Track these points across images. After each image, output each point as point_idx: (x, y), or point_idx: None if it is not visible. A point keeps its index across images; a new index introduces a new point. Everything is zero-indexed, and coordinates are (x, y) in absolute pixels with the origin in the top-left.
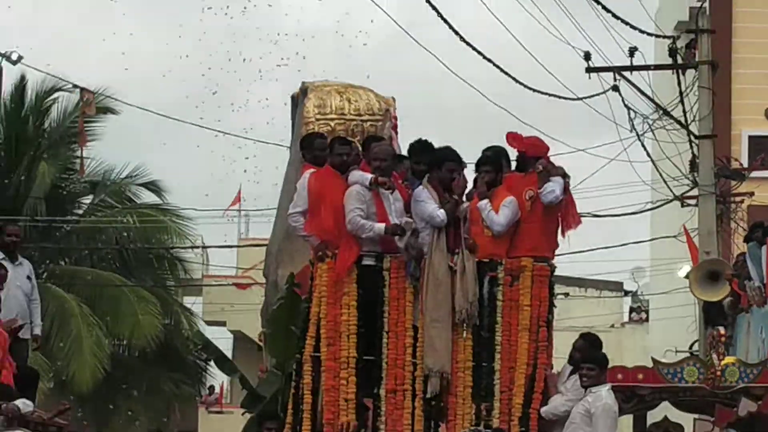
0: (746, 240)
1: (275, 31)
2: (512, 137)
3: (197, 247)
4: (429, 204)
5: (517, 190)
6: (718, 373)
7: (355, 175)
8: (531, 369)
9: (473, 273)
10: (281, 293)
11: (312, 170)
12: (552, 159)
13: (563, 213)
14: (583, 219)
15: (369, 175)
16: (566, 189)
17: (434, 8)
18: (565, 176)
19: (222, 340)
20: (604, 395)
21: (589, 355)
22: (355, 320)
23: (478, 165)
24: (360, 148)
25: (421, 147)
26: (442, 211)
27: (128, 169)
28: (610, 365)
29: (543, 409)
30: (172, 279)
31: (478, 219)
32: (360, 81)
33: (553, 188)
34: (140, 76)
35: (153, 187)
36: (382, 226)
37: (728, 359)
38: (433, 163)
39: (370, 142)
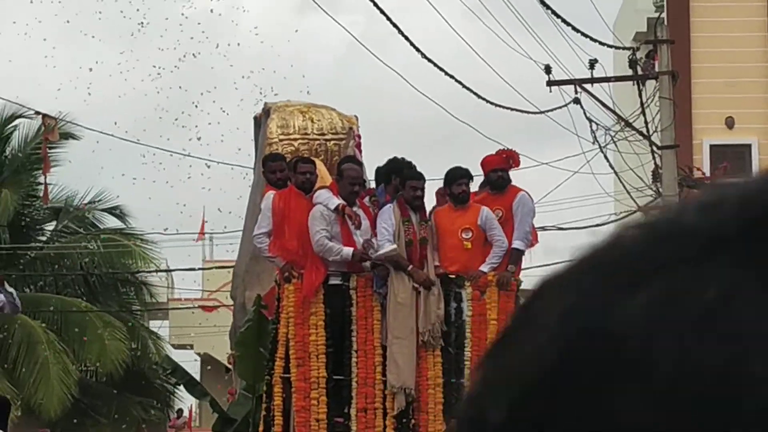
0: None
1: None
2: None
3: (162, 271)
4: (380, 231)
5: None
6: None
7: (322, 195)
8: None
9: (437, 295)
10: (249, 315)
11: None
12: (515, 172)
13: None
14: (547, 232)
15: (336, 200)
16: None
17: (395, 25)
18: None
19: (188, 362)
20: None
21: None
22: (323, 340)
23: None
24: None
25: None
26: (349, 250)
27: (91, 195)
28: None
29: None
30: (138, 303)
31: (456, 231)
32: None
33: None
34: (100, 101)
35: (116, 212)
36: (350, 250)
37: None
38: (399, 182)
39: (346, 161)
